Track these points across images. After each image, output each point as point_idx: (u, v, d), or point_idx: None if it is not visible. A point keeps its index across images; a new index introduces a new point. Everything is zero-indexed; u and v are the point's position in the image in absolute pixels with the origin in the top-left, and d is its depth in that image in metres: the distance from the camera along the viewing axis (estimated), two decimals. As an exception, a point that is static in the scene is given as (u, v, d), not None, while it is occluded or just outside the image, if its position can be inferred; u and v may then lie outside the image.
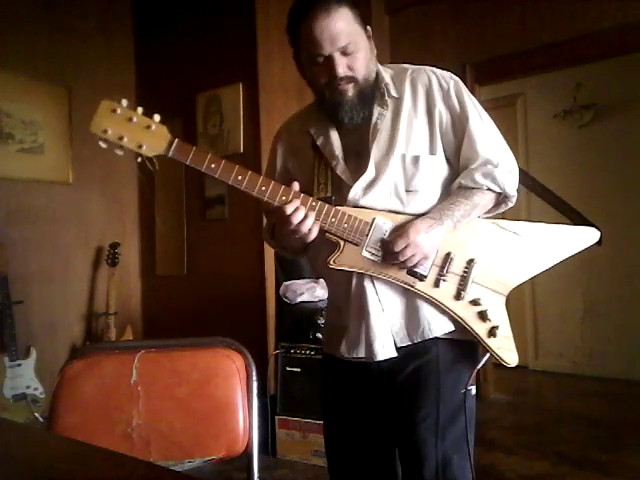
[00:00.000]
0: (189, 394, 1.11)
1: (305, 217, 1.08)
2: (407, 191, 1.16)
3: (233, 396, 1.11)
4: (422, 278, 1.13)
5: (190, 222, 3.48)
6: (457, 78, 1.22)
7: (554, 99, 4.30)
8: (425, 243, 1.10)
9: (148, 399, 1.09)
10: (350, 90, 1.14)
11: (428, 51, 3.30)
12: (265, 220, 1.36)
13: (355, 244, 1.13)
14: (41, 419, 2.79)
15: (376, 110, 1.18)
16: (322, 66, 1.13)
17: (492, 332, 1.13)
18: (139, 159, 1.07)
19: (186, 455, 1.09)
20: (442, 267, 1.14)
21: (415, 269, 1.13)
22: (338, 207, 1.12)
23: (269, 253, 3.01)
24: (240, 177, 1.11)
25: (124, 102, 1.05)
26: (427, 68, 1.22)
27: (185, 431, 1.09)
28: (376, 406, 1.23)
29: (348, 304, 1.19)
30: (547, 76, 3.66)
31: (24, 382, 2.88)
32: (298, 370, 2.63)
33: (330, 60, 1.11)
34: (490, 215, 1.24)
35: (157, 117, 1.07)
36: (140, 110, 1.06)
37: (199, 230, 3.43)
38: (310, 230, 1.10)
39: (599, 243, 1.22)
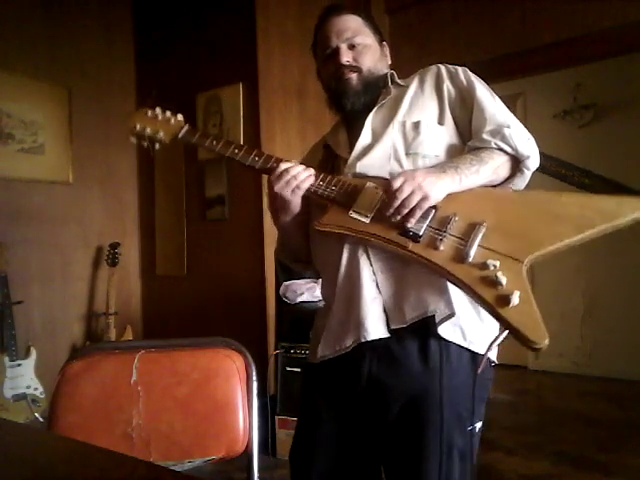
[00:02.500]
0: (189, 394, 1.11)
1: (299, 173, 1.10)
2: (407, 154, 1.11)
3: (233, 396, 1.11)
4: (416, 238, 1.01)
5: (190, 222, 3.48)
6: (466, 68, 1.22)
7: (554, 99, 4.30)
8: (426, 182, 1.00)
9: (148, 399, 1.09)
10: (354, 79, 1.18)
11: (428, 51, 3.30)
12: (278, 236, 1.35)
13: (343, 205, 1.08)
14: (41, 419, 2.78)
15: (380, 98, 1.21)
16: (330, 58, 1.20)
17: (506, 300, 0.91)
18: (133, 139, 1.29)
19: (186, 455, 1.09)
20: (440, 229, 1.01)
21: (408, 227, 1.02)
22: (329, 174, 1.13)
23: (269, 253, 3.01)
24: (237, 150, 1.19)
25: (157, 109, 1.28)
26: (435, 65, 1.23)
27: (185, 431, 1.09)
28: (363, 428, 1.12)
29: (335, 286, 1.11)
30: (547, 76, 3.67)
31: (24, 382, 2.88)
32: (298, 370, 2.63)
33: (337, 51, 1.18)
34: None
35: (180, 116, 1.28)
36: (168, 112, 1.28)
37: (199, 230, 3.43)
38: (304, 180, 1.10)
39: None
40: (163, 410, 1.10)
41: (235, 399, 1.11)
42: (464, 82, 1.17)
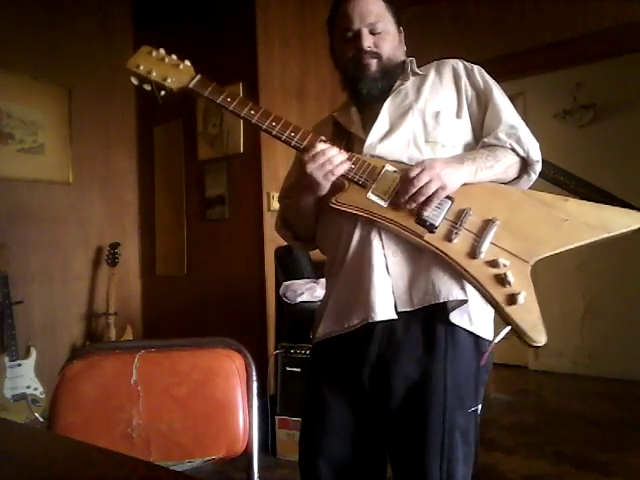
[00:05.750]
0: (189, 394, 1.11)
1: (333, 156, 1.07)
2: (426, 142, 1.13)
3: (233, 396, 1.11)
4: (432, 229, 1.03)
5: (190, 222, 3.48)
6: (481, 67, 1.25)
7: (554, 99, 4.30)
8: (443, 172, 1.02)
9: (148, 399, 1.09)
10: (373, 65, 1.18)
11: (428, 51, 3.30)
12: (279, 209, 1.36)
13: (361, 186, 1.08)
14: (41, 419, 2.79)
15: (397, 83, 1.21)
16: (350, 41, 1.18)
17: (513, 299, 0.97)
18: (134, 80, 1.18)
19: (186, 455, 1.09)
20: (455, 221, 1.04)
21: (424, 217, 1.03)
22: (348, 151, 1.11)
23: (269, 253, 3.01)
24: (252, 111, 1.13)
25: (162, 50, 1.18)
26: (452, 59, 1.26)
27: (185, 431, 1.09)
28: (367, 407, 1.14)
29: (343, 266, 1.12)
30: (547, 76, 3.66)
31: (24, 382, 2.88)
32: (298, 370, 2.63)
33: (358, 35, 1.17)
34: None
35: (187, 62, 1.17)
36: (174, 56, 1.18)
37: (199, 230, 3.43)
38: (338, 166, 1.07)
39: None
40: (163, 410, 1.10)
41: (235, 399, 1.11)
42: (481, 82, 1.20)
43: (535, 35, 3.03)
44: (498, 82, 1.25)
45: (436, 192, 1.02)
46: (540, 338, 0.96)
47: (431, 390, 1.06)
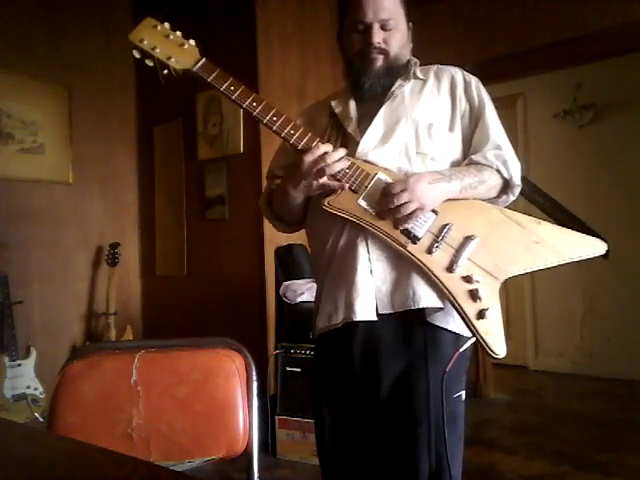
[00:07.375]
0: (189, 394, 1.11)
1: (334, 162, 1.09)
2: (417, 153, 1.16)
3: (233, 396, 1.11)
4: (415, 240, 1.09)
5: (190, 222, 3.48)
6: (478, 80, 1.27)
7: (554, 99, 4.30)
8: (425, 193, 1.07)
9: (148, 399, 1.09)
10: (379, 61, 1.19)
11: (427, 51, 3.30)
12: (265, 186, 1.38)
13: (353, 191, 1.12)
14: (41, 419, 2.79)
15: (397, 82, 1.23)
16: (360, 34, 1.19)
17: (481, 314, 1.05)
18: (136, 54, 1.15)
19: (186, 455, 1.09)
20: (437, 235, 1.10)
21: (409, 229, 1.09)
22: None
23: (269, 253, 3.01)
24: (255, 103, 1.13)
25: (166, 24, 1.16)
26: (451, 67, 1.28)
27: (185, 431, 1.09)
28: (364, 392, 1.19)
29: (330, 265, 1.17)
30: (547, 76, 3.66)
31: (24, 382, 2.88)
32: (298, 370, 2.63)
33: (369, 29, 1.17)
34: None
35: (192, 41, 1.16)
36: (179, 32, 1.16)
37: (199, 230, 3.43)
38: (333, 166, 1.09)
39: (605, 256, 1.14)
40: (163, 410, 1.10)
41: (235, 399, 1.11)
42: (476, 98, 1.23)
43: (535, 35, 3.03)
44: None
45: (414, 212, 1.07)
46: (501, 351, 1.04)
47: (415, 380, 1.12)
